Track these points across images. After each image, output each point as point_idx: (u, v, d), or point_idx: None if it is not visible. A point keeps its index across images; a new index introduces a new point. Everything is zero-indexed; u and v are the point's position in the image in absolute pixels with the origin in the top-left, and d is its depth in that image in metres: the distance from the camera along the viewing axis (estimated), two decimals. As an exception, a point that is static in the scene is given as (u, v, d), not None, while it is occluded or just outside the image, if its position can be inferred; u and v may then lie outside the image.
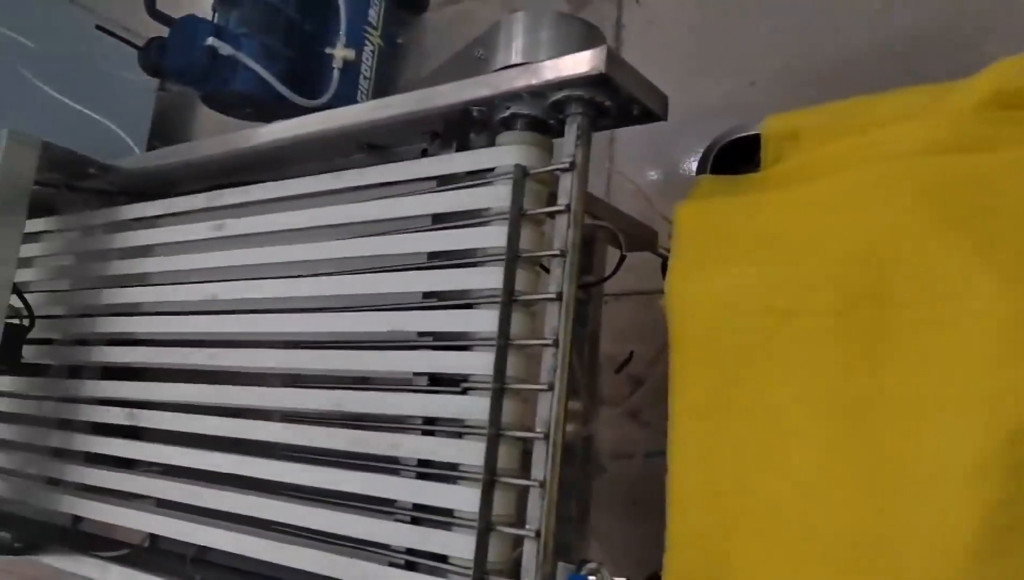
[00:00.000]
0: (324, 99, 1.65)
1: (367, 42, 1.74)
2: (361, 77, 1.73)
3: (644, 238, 1.14)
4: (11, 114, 1.81)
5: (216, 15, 1.68)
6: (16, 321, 1.11)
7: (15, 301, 1.08)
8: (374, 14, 1.75)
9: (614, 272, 1.02)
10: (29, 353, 1.15)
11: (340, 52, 1.68)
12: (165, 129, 2.24)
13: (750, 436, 0.71)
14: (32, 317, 1.13)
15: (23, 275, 1.23)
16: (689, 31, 1.49)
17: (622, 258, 1.00)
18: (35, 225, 1.26)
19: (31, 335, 1.14)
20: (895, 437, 0.63)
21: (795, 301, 0.69)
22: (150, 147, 2.09)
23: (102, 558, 1.05)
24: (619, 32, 1.58)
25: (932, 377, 0.63)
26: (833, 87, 1.32)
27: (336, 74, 1.68)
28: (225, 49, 1.56)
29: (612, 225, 1.01)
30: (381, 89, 1.78)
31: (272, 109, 1.68)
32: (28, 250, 1.25)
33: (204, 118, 2.26)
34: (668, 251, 1.17)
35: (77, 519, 1.16)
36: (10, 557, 1.12)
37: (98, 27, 2.00)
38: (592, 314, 1.07)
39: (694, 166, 1.47)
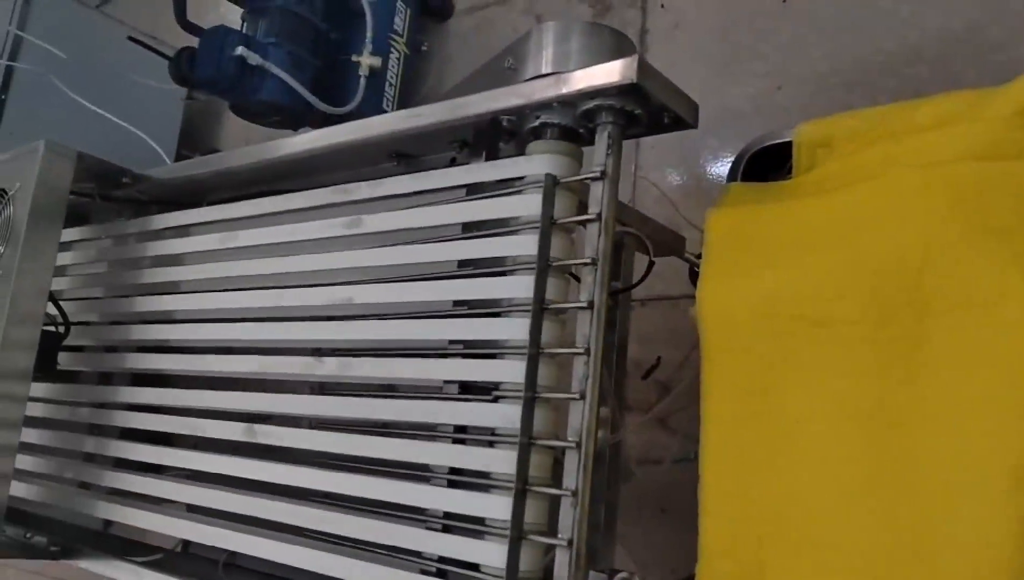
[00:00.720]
0: (351, 107, 1.67)
1: (393, 49, 1.75)
2: (387, 84, 1.74)
3: (671, 244, 1.14)
4: (42, 123, 1.84)
5: (244, 25, 1.70)
6: (52, 328, 1.13)
7: (51, 309, 1.10)
8: (399, 22, 1.76)
9: (643, 278, 1.01)
10: (63, 360, 1.17)
11: (366, 60, 1.70)
12: (192, 137, 2.27)
13: (783, 445, 0.70)
14: (67, 324, 1.15)
15: (57, 283, 1.26)
16: (714, 35, 1.49)
17: (650, 264, 1.00)
18: (69, 234, 1.28)
19: (65, 342, 1.16)
20: (931, 446, 0.62)
21: (828, 309, 0.68)
22: (178, 156, 2.12)
23: (136, 563, 1.06)
24: (643, 37, 1.58)
25: (968, 386, 0.62)
26: (861, 91, 1.31)
27: (362, 82, 1.69)
28: (253, 59, 1.58)
29: (640, 231, 1.01)
30: (406, 96, 1.80)
31: (299, 117, 1.70)
32: (62, 258, 1.27)
33: (230, 126, 2.29)
34: (695, 257, 1.17)
35: (107, 523, 1.18)
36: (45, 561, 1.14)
37: (130, 38, 2.04)
38: (620, 320, 1.06)
39: (719, 171, 1.47)
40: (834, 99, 1.33)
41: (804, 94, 1.36)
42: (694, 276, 1.29)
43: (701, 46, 1.50)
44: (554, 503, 0.74)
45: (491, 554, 0.74)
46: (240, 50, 1.57)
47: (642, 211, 1.17)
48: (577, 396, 0.72)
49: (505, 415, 0.76)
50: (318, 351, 1.00)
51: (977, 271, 0.62)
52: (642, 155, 1.52)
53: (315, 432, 0.91)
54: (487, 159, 0.87)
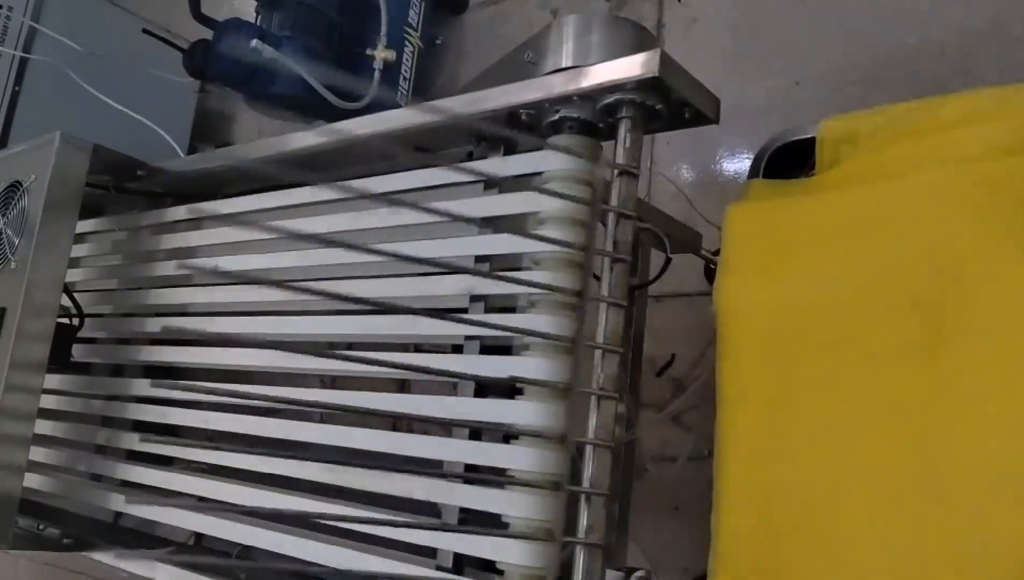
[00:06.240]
0: (365, 101, 1.66)
1: (407, 43, 1.74)
2: (401, 78, 1.74)
3: (687, 240, 1.13)
4: (56, 115, 1.84)
5: (259, 18, 1.69)
6: (66, 320, 1.13)
7: (65, 300, 1.10)
8: (414, 15, 1.75)
9: (659, 275, 1.00)
10: (77, 351, 1.17)
11: (381, 53, 1.69)
12: (205, 130, 2.27)
13: (803, 446, 0.70)
14: (81, 316, 1.15)
15: (71, 275, 1.26)
16: (732, 30, 1.48)
17: (667, 261, 0.99)
18: (83, 226, 1.28)
19: (79, 334, 1.15)
20: (960, 448, 0.61)
21: (854, 308, 0.67)
22: (191, 148, 2.12)
23: (148, 556, 1.06)
24: (660, 31, 1.56)
25: (999, 386, 0.61)
26: (881, 87, 1.30)
27: (377, 75, 1.68)
28: (268, 52, 1.57)
29: (657, 227, 1.00)
30: (420, 90, 1.79)
31: (313, 110, 1.70)
32: (76, 250, 1.27)
33: (242, 119, 2.28)
34: (711, 253, 1.16)
35: (118, 515, 1.18)
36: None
37: (145, 31, 2.04)
38: (637, 317, 1.05)
39: (735, 167, 1.46)
40: (853, 95, 1.32)
41: (823, 90, 1.35)
42: (710, 273, 1.28)
43: (718, 41, 1.49)
44: (570, 500, 0.73)
45: (508, 551, 0.73)
46: (254, 43, 1.57)
47: (657, 207, 1.16)
48: (600, 393, 0.71)
49: (524, 411, 0.75)
50: (332, 345, 0.99)
51: (1011, 270, 0.61)
52: (657, 150, 1.51)
53: (329, 426, 0.90)
54: (505, 153, 0.86)
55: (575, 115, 0.80)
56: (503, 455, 0.76)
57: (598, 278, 0.76)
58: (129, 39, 2.03)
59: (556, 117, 0.81)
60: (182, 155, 1.86)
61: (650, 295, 1.19)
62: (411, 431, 0.85)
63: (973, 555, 0.59)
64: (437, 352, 0.86)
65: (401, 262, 0.89)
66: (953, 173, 0.64)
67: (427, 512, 0.82)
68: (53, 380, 1.22)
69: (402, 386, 0.93)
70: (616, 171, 0.75)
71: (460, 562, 0.79)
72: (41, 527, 1.18)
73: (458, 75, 1.87)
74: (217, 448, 0.98)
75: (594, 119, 0.80)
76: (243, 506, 0.96)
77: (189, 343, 1.11)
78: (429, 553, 0.81)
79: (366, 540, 0.85)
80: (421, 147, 0.95)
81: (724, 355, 0.76)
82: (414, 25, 1.76)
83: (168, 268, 1.15)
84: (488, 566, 0.76)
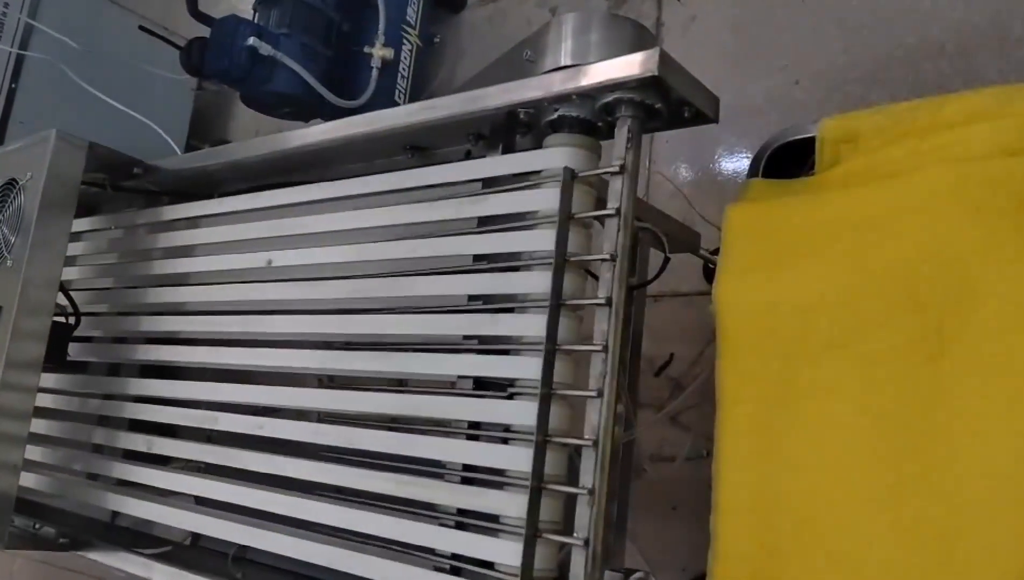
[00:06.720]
0: (363, 99, 1.66)
1: (405, 41, 1.74)
2: (399, 76, 1.73)
3: (686, 240, 1.13)
4: (52, 112, 1.83)
5: (256, 15, 1.68)
6: (62, 319, 1.12)
7: (61, 299, 1.10)
8: (412, 13, 1.75)
9: (658, 274, 1.00)
10: (73, 350, 1.17)
11: (379, 51, 1.68)
12: (202, 128, 2.26)
13: (803, 446, 0.69)
14: (78, 315, 1.14)
15: (68, 274, 1.25)
16: (731, 29, 1.47)
17: (666, 260, 0.98)
18: (79, 224, 1.27)
19: (76, 333, 1.15)
20: (961, 449, 0.61)
21: (852, 309, 0.67)
22: (188, 146, 2.11)
23: (145, 555, 1.06)
24: (659, 30, 1.56)
25: (1001, 386, 0.60)
26: (881, 86, 1.29)
27: (375, 73, 1.68)
28: (265, 49, 1.57)
29: (655, 227, 1.00)
30: (418, 88, 1.78)
31: (310, 109, 1.69)
32: (72, 249, 1.27)
33: (240, 117, 2.28)
34: (710, 253, 1.16)
35: (114, 514, 1.18)
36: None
37: (141, 28, 2.03)
38: (635, 317, 1.05)
39: (735, 166, 1.46)
40: (853, 94, 1.31)
41: (822, 89, 1.35)
42: (708, 272, 1.27)
43: (718, 39, 1.48)
44: (568, 501, 0.73)
45: (506, 552, 0.73)
46: (252, 40, 1.56)
47: (656, 206, 1.15)
48: (594, 393, 0.70)
49: (520, 412, 0.75)
50: (329, 345, 0.99)
51: (1013, 270, 0.60)
52: (656, 149, 1.50)
53: (326, 426, 0.90)
54: (503, 152, 0.86)
55: (574, 114, 0.79)
56: (500, 456, 0.76)
57: (596, 277, 0.75)
58: (126, 36, 2.03)
59: (555, 116, 0.81)
60: (179, 153, 1.86)
61: (648, 294, 1.19)
62: (411, 430, 0.84)
63: (975, 557, 0.58)
64: (435, 351, 0.85)
65: (400, 261, 0.89)
66: (954, 173, 0.64)
67: (425, 512, 0.81)
68: (49, 379, 1.21)
69: (400, 386, 0.93)
70: (615, 170, 0.74)
71: (458, 562, 0.78)
72: (37, 526, 1.18)
73: (456, 74, 1.86)
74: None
75: (593, 118, 0.79)
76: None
77: (187, 342, 1.10)
78: (427, 553, 0.80)
79: (364, 539, 0.84)
80: (419, 146, 0.95)
81: (723, 355, 0.76)
82: (412, 23, 1.75)
83: (165, 266, 1.15)
84: (486, 566, 0.76)
